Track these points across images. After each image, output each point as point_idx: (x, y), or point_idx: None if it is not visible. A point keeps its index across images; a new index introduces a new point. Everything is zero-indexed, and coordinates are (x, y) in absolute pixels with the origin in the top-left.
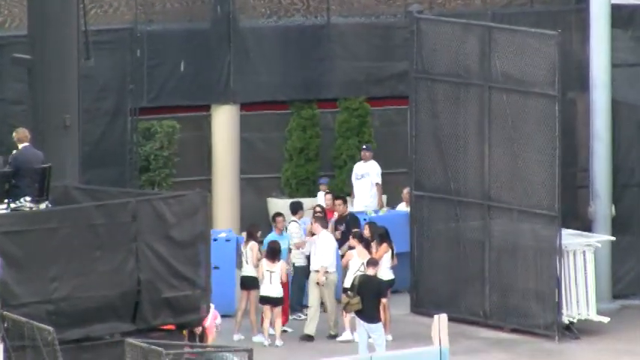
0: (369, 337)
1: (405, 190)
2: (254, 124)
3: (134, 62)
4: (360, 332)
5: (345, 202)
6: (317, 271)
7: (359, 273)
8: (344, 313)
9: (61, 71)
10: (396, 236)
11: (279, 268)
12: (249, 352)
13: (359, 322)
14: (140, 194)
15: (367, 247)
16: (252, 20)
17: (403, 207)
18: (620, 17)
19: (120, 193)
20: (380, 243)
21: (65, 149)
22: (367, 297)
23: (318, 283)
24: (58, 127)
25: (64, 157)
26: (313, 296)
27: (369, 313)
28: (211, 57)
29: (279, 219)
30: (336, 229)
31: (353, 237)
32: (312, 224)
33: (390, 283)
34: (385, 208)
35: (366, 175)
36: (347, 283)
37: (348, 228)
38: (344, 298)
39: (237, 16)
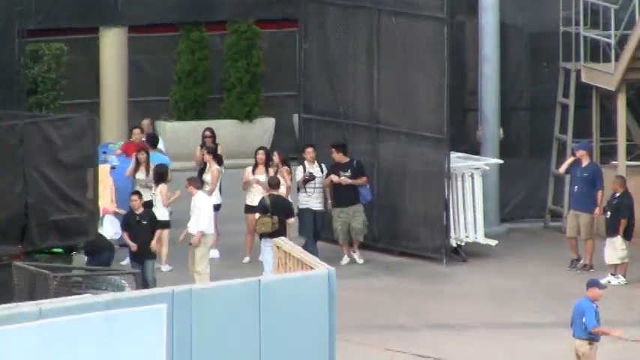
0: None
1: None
2: (142, 47)
3: None
4: (269, 252)
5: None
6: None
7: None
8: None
9: None
10: None
11: (159, 192)
12: (135, 274)
13: (267, 242)
14: (28, 117)
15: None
16: None
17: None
18: None
19: (7, 116)
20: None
21: None
22: (280, 217)
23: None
24: None
25: None
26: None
27: (282, 233)
28: None
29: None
30: (339, 175)
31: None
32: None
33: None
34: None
35: None
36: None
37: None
38: (257, 218)
39: None
